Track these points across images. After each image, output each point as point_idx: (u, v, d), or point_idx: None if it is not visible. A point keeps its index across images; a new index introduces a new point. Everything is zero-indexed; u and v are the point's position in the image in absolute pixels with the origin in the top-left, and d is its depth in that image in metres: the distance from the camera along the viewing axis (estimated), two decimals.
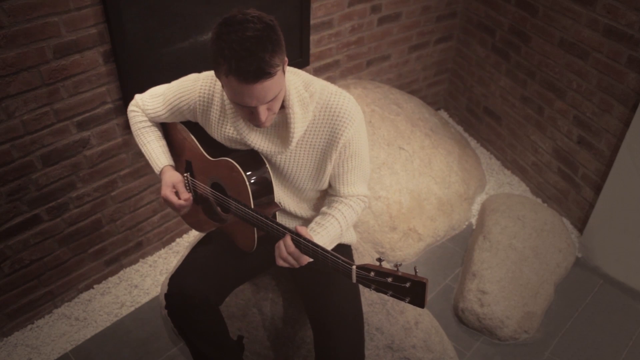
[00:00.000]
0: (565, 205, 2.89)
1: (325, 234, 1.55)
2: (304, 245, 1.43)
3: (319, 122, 1.51)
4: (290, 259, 1.46)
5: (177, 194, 1.68)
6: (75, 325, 2.35)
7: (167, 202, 1.67)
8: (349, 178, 1.60)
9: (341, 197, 1.62)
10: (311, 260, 1.48)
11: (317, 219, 1.60)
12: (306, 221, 1.74)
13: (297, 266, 1.48)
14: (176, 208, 1.67)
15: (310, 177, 1.60)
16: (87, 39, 1.96)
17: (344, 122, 1.49)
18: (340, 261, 1.36)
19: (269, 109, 1.39)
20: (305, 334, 1.97)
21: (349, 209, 1.60)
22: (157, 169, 1.72)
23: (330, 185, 1.64)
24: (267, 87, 1.31)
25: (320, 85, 1.52)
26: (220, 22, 1.30)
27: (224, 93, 1.54)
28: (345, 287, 1.67)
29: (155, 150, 1.73)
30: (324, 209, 1.63)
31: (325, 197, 1.71)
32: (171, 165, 1.74)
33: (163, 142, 1.76)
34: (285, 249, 1.45)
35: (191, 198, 1.68)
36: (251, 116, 1.40)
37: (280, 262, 1.48)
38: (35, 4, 1.79)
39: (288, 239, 1.44)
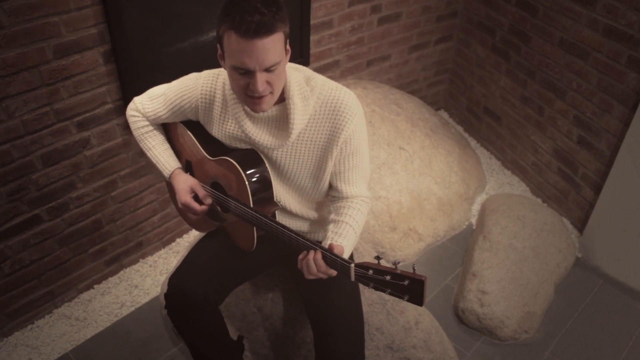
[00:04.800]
0: (565, 205, 2.89)
1: (347, 243, 1.51)
2: (302, 243, 1.43)
3: (319, 116, 1.51)
4: (320, 274, 1.43)
5: (195, 198, 1.67)
6: (76, 325, 2.35)
7: (186, 209, 1.66)
8: (351, 176, 1.59)
9: (345, 198, 1.60)
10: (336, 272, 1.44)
11: (332, 227, 1.55)
12: (308, 221, 1.73)
13: (325, 277, 1.45)
14: (197, 214, 1.66)
15: (311, 175, 1.60)
16: (87, 39, 1.96)
17: (345, 117, 1.50)
18: (338, 259, 1.35)
19: (268, 82, 1.38)
20: (305, 334, 1.97)
21: (357, 212, 1.57)
22: (166, 173, 1.72)
23: (331, 186, 1.64)
24: (267, 46, 1.31)
25: (321, 80, 1.53)
26: None
27: (226, 88, 1.54)
28: (345, 287, 1.67)
29: (163, 154, 1.73)
30: (332, 216, 1.59)
31: (327, 197, 1.71)
32: (180, 168, 1.73)
33: (168, 145, 1.76)
34: (315, 267, 1.41)
35: (211, 201, 1.67)
36: (248, 90, 1.38)
37: (310, 277, 1.44)
38: (35, 4, 1.79)
39: (319, 256, 1.40)
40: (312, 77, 1.52)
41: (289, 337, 1.99)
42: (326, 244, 1.47)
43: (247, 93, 1.40)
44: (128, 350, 2.26)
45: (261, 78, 1.36)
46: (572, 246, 2.67)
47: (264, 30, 1.29)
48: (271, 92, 1.41)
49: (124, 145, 2.28)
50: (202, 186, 1.71)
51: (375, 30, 2.95)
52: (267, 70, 1.35)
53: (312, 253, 1.41)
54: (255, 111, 1.45)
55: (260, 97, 1.40)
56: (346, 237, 1.52)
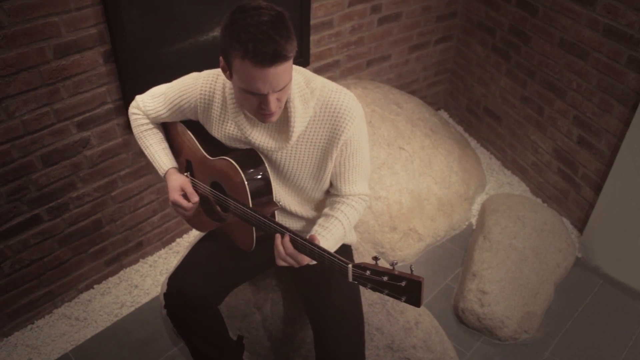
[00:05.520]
0: (565, 205, 2.89)
1: (330, 237, 1.54)
2: (301, 244, 1.43)
3: (319, 118, 1.52)
4: (289, 259, 1.46)
5: (185, 196, 1.68)
6: (76, 325, 2.35)
7: (176, 206, 1.67)
8: (351, 176, 1.60)
9: (343, 196, 1.62)
10: (312, 262, 1.46)
11: (321, 221, 1.59)
12: (308, 221, 1.73)
13: (296, 266, 1.48)
14: (187, 210, 1.67)
15: (311, 175, 1.60)
16: (87, 39, 1.96)
17: (345, 120, 1.50)
18: (336, 260, 1.35)
19: (277, 100, 1.39)
20: (305, 334, 1.97)
21: (351, 209, 1.60)
22: (161, 172, 1.72)
23: (331, 184, 1.64)
24: (281, 72, 1.32)
25: (321, 82, 1.53)
26: (233, 10, 1.32)
27: (226, 90, 1.54)
28: (345, 287, 1.67)
29: (159, 153, 1.73)
30: (326, 210, 1.62)
31: (326, 194, 1.71)
32: (175, 168, 1.74)
33: (165, 145, 1.76)
34: (283, 249, 1.45)
35: (198, 199, 1.68)
36: (258, 108, 1.40)
37: (280, 263, 1.48)
38: (35, 4, 1.79)
39: (286, 239, 1.44)
40: (312, 79, 1.52)
41: (289, 337, 1.99)
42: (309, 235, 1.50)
43: (257, 110, 1.42)
44: (128, 350, 2.26)
45: (273, 98, 1.37)
46: (572, 246, 2.67)
47: (280, 59, 1.29)
48: (280, 107, 1.43)
49: (124, 145, 2.28)
50: (194, 185, 1.72)
51: (375, 30, 2.95)
52: (279, 90, 1.37)
53: (278, 237, 1.44)
54: (265, 122, 1.46)
55: (271, 113, 1.41)
56: (331, 230, 1.55)
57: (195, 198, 1.66)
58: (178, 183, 1.68)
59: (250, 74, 1.31)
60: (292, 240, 1.44)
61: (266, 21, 1.27)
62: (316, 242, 1.40)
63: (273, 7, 1.32)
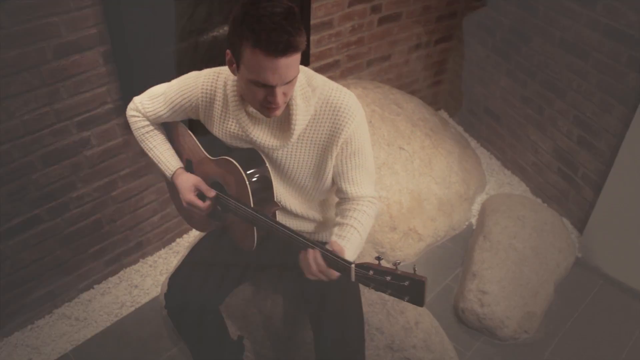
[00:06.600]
0: (565, 205, 2.89)
1: (350, 246, 1.51)
2: (303, 244, 1.43)
3: (320, 117, 1.52)
4: (320, 275, 1.42)
5: (199, 195, 1.67)
6: (76, 325, 2.35)
7: (192, 207, 1.66)
8: (355, 177, 1.58)
9: (351, 200, 1.60)
10: (339, 274, 1.42)
11: (336, 230, 1.56)
12: (309, 221, 1.73)
13: (326, 280, 1.44)
14: (202, 210, 1.66)
15: (312, 174, 1.60)
16: (87, 39, 1.96)
17: (345, 118, 1.50)
18: (339, 260, 1.35)
19: (284, 94, 1.39)
20: (305, 334, 1.97)
21: (362, 214, 1.57)
22: (168, 173, 1.71)
23: (338, 189, 1.63)
24: (291, 63, 1.32)
25: (322, 80, 1.53)
26: (244, 2, 1.32)
27: (227, 88, 1.54)
28: (346, 287, 1.67)
29: (164, 154, 1.72)
30: (338, 218, 1.60)
31: (329, 198, 1.71)
32: (182, 167, 1.73)
33: (169, 145, 1.75)
34: (316, 267, 1.41)
35: (215, 193, 1.65)
36: (264, 101, 1.40)
37: (311, 277, 1.44)
38: (35, 4, 1.79)
39: (318, 255, 1.40)
40: (313, 77, 1.52)
41: (289, 337, 1.99)
42: (330, 246, 1.46)
43: (263, 103, 1.41)
44: (128, 350, 2.26)
45: (280, 92, 1.37)
46: (572, 246, 2.67)
47: (291, 50, 1.29)
48: (285, 101, 1.43)
49: (124, 145, 2.28)
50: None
51: (375, 30, 2.95)
52: (286, 83, 1.37)
53: (311, 252, 1.40)
54: (269, 117, 1.46)
55: (277, 106, 1.41)
56: (350, 239, 1.51)
57: (212, 193, 1.64)
58: (190, 182, 1.67)
59: (260, 64, 1.31)
60: (293, 238, 1.43)
61: (279, 12, 1.28)
62: (333, 249, 1.38)
63: (284, 1, 1.32)
